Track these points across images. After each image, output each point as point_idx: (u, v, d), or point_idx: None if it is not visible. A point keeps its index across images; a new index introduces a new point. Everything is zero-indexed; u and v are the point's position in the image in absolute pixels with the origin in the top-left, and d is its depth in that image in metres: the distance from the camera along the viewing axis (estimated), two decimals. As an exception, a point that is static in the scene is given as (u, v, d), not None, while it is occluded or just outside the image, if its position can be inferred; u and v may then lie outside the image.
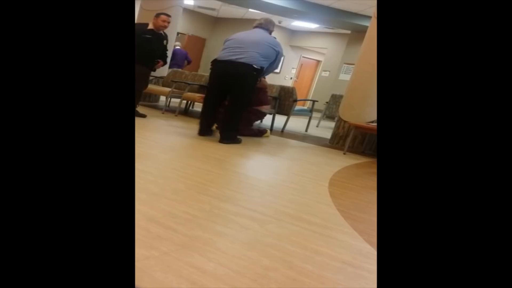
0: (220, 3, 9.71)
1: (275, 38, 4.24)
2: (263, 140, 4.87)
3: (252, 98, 4.29)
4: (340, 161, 4.18)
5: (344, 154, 4.72)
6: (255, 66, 3.95)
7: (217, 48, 4.91)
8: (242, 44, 4.01)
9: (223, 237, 1.65)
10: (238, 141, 4.23)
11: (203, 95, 4.85)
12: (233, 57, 3.96)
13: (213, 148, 3.80)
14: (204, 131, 4.32)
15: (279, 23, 12.12)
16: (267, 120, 6.74)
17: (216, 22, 12.87)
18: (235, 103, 4.14)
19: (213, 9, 11.38)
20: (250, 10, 9.98)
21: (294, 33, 13.21)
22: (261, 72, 4.06)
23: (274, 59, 4.15)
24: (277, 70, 13.38)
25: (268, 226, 1.86)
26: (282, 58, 4.30)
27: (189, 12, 11.97)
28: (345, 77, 10.90)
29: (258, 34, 4.14)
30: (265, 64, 4.05)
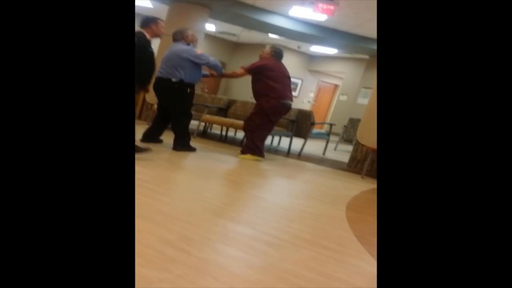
0: (240, 28, 9.86)
1: (189, 44, 4.45)
2: (279, 162, 4.85)
3: (185, 107, 4.48)
4: (358, 185, 4.13)
5: (362, 178, 4.66)
6: (173, 80, 4.29)
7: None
8: (163, 61, 4.42)
9: (238, 261, 1.63)
10: (191, 149, 4.51)
11: (221, 118, 4.92)
12: (159, 74, 4.39)
13: (230, 170, 3.81)
14: (147, 139, 4.47)
15: (298, 48, 12.20)
16: (284, 142, 6.73)
17: (236, 47, 13.07)
18: (172, 114, 4.51)
19: (234, 35, 11.57)
20: (269, 35, 10.11)
21: (312, 58, 13.29)
22: (182, 83, 4.30)
23: (196, 64, 4.37)
24: (295, 94, 13.44)
25: (283, 251, 1.84)
26: (209, 58, 4.49)
27: (211, 37, 12.19)
28: (363, 101, 10.84)
29: (172, 48, 4.45)
30: (183, 75, 4.30)
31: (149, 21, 3.82)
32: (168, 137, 4.68)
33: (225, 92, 12.90)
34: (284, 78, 4.72)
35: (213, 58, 4.55)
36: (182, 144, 4.43)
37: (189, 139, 4.54)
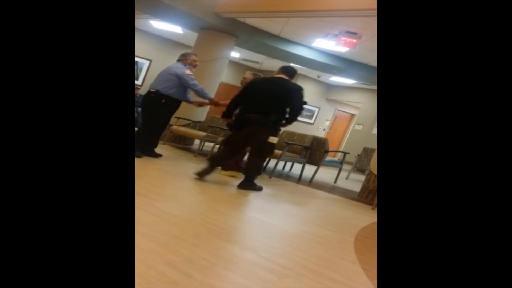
0: (264, 57, 10.03)
1: (184, 65, 4.81)
2: (289, 188, 4.82)
3: (153, 115, 4.74)
4: (368, 216, 4.07)
5: (373, 209, 4.59)
6: (151, 90, 4.73)
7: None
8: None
9: (240, 288, 1.61)
10: (155, 155, 4.81)
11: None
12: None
13: (239, 194, 3.79)
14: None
15: (318, 77, 12.32)
16: (296, 168, 6.70)
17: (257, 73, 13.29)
18: (142, 120, 4.96)
19: (257, 62, 11.78)
20: (291, 64, 10.29)
21: (331, 87, 13.38)
22: (158, 93, 4.64)
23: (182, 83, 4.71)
24: (311, 121, 13.46)
25: (287, 280, 1.81)
26: (194, 81, 4.73)
27: (234, 64, 12.37)
28: (379, 131, 10.79)
29: (168, 66, 4.90)
30: (162, 87, 4.65)
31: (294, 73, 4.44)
32: (182, 154, 4.70)
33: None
34: None
35: (201, 86, 4.81)
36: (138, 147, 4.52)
37: (149, 145, 4.78)
